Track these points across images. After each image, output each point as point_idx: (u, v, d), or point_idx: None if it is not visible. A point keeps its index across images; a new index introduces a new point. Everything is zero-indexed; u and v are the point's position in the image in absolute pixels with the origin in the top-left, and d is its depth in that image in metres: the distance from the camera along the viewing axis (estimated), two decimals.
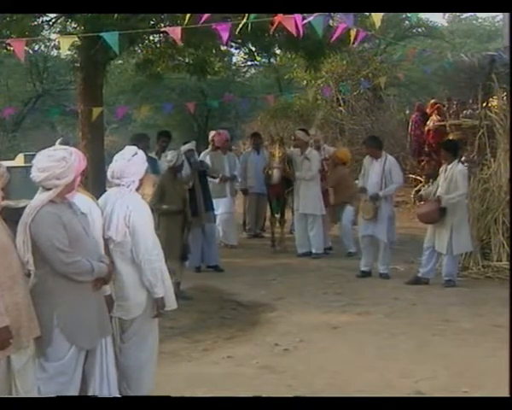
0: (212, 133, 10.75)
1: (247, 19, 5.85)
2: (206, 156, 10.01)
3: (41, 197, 3.77)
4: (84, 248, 3.80)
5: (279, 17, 5.76)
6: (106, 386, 3.96)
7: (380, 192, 8.05)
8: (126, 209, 4.10)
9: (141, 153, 4.30)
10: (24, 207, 3.79)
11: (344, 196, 9.63)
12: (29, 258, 3.69)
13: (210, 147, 10.45)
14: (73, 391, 3.83)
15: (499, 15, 23.61)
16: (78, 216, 3.89)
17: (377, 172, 8.12)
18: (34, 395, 3.64)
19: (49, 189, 3.76)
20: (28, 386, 3.60)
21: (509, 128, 8.47)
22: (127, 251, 4.12)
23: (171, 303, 4.33)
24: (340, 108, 16.36)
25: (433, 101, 13.86)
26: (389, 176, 8.12)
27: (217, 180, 9.80)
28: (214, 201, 9.12)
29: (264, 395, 4.51)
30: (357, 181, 9.02)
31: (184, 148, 8.59)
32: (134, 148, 4.33)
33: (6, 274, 3.49)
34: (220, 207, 9.79)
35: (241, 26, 5.85)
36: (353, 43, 7.14)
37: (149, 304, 4.18)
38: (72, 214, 3.84)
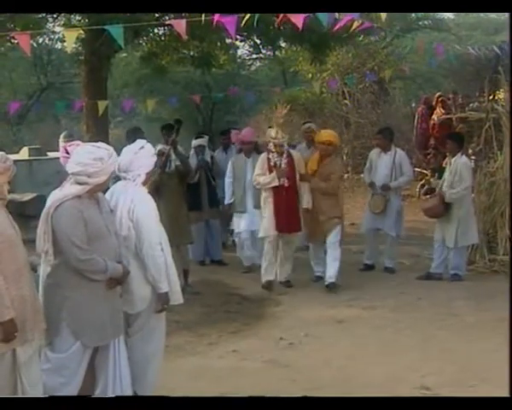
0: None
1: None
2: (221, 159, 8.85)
3: (69, 190, 3.77)
4: (103, 246, 3.79)
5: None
6: (118, 384, 3.95)
7: (390, 184, 8.03)
8: (130, 203, 4.08)
9: (148, 146, 4.25)
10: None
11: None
12: (49, 248, 3.71)
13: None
14: (75, 385, 3.84)
15: None
16: (104, 213, 3.88)
17: (387, 165, 8.09)
18: (39, 388, 3.65)
19: (79, 183, 3.76)
20: (33, 379, 3.60)
21: None
22: (131, 245, 4.10)
23: (177, 298, 4.29)
24: (346, 102, 16.29)
25: (437, 94, 13.82)
26: (399, 169, 8.09)
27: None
28: (234, 218, 8.25)
29: (268, 390, 4.50)
30: (362, 175, 8.96)
31: (195, 143, 8.48)
32: (142, 141, 4.29)
33: (12, 267, 3.48)
34: (241, 224, 8.20)
35: (246, 19, 5.82)
36: (356, 30, 7.00)
37: (154, 298, 4.16)
38: (97, 211, 3.84)
